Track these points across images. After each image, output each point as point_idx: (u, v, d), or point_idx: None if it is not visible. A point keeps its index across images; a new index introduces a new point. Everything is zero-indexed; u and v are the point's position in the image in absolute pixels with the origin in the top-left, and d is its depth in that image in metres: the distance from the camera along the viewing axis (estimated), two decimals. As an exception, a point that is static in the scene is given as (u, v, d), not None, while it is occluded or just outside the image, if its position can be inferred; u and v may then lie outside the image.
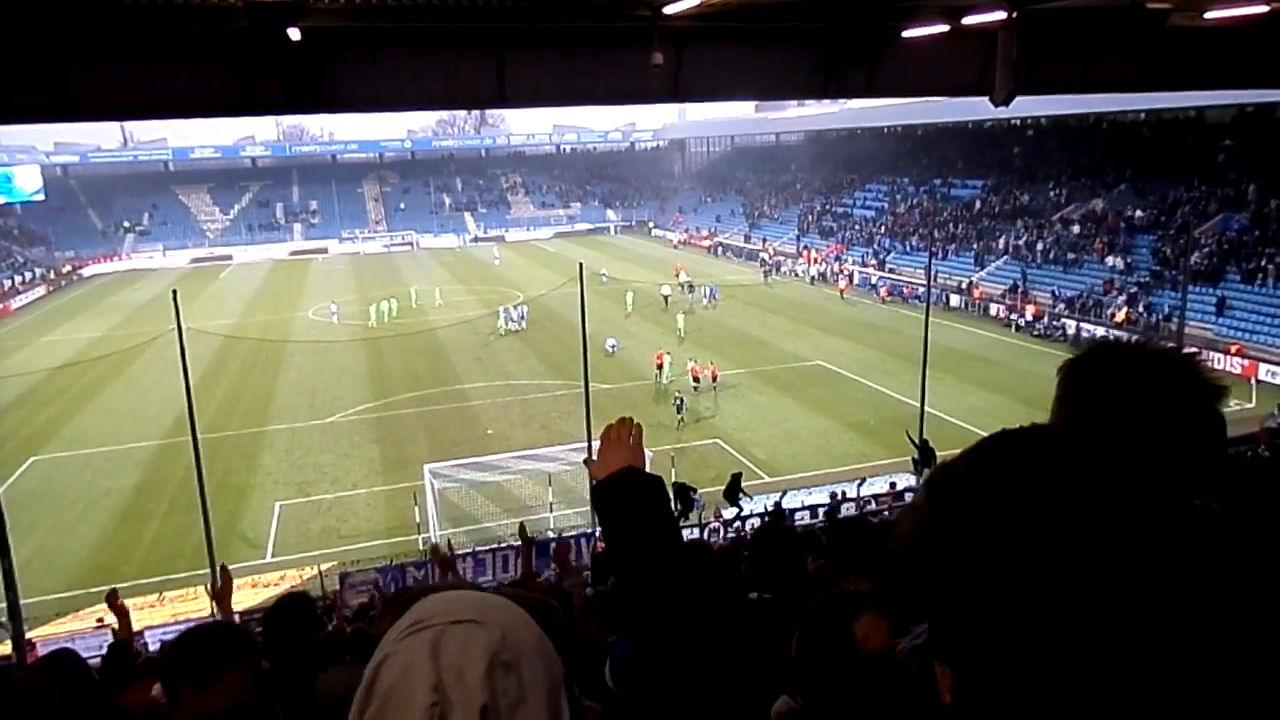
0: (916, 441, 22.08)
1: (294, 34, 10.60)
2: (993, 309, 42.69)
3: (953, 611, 0.75)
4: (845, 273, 53.81)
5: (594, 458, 1.84)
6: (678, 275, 51.25)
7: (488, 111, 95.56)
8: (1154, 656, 0.68)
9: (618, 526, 1.72)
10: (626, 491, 1.72)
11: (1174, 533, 0.71)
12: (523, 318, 42.12)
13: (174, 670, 2.00)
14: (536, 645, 0.97)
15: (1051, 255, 44.63)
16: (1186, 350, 1.44)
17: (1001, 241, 48.63)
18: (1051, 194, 50.40)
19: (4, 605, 14.22)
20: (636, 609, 1.66)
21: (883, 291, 49.28)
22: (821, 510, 20.02)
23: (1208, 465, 1.27)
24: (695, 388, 30.81)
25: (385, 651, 0.94)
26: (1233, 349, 31.88)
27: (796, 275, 57.03)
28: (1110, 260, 40.96)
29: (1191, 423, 1.27)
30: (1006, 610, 0.71)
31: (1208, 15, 14.45)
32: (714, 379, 31.42)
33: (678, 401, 28.00)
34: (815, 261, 57.48)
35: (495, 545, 19.16)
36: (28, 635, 15.08)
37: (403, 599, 2.30)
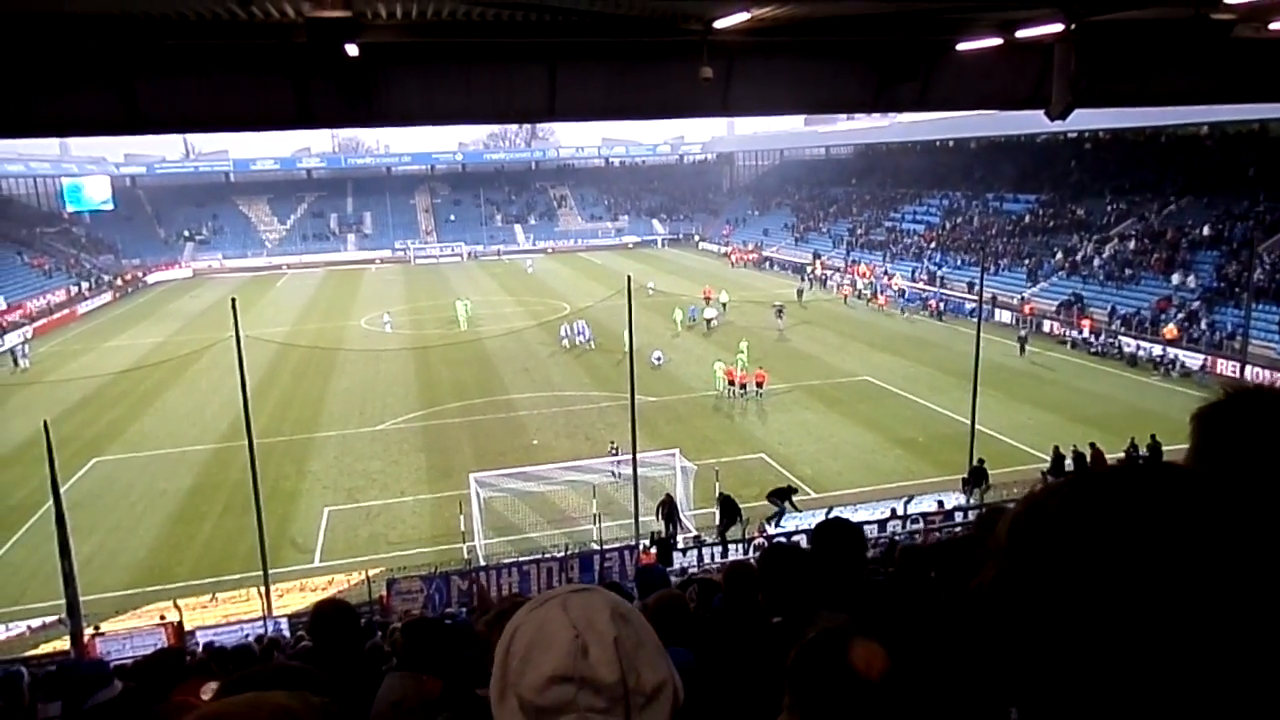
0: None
1: (351, 50, 10.84)
2: (1046, 325, 41.80)
3: (1038, 669, 0.66)
4: (851, 282, 56.81)
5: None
6: (708, 301, 48.70)
7: (538, 125, 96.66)
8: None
9: None
10: None
11: None
12: (588, 337, 41.10)
13: None
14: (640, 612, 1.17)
15: (1107, 271, 43.61)
16: None
17: (1058, 256, 47.63)
18: (1108, 208, 49.29)
19: (64, 602, 14.67)
20: None
21: (882, 299, 51.20)
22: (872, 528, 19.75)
23: None
24: (758, 393, 32.26)
25: (516, 624, 1.11)
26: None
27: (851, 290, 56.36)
28: (1175, 277, 39.85)
29: None
30: (1096, 668, 0.63)
31: (1273, 26, 14.06)
32: (743, 386, 32.58)
33: (613, 449, 25.03)
34: (864, 276, 56.90)
35: (539, 555, 19.25)
36: (88, 631, 15.54)
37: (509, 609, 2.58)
